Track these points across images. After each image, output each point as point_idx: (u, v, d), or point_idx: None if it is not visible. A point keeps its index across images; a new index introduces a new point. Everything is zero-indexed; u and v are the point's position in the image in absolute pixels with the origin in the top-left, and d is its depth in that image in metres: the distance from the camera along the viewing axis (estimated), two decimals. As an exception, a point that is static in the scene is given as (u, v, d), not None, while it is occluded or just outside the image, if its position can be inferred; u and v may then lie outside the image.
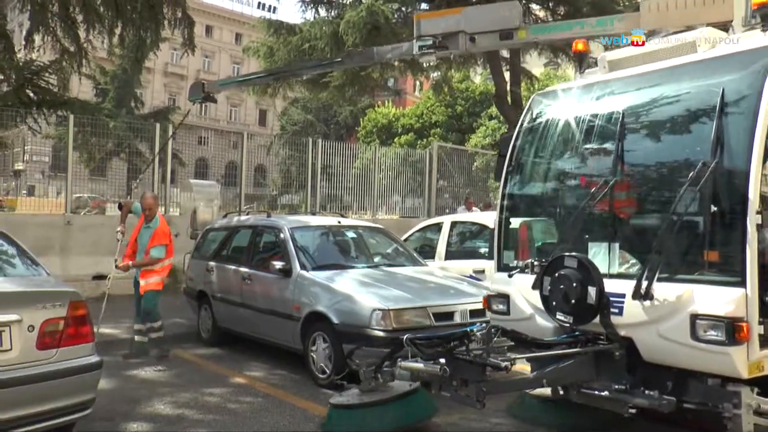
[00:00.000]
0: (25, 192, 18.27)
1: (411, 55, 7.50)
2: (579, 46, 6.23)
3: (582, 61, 6.27)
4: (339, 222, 9.39)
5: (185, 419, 6.02)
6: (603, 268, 5.20)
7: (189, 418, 6.06)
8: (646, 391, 4.86)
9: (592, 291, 4.88)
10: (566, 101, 6.02)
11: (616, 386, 4.96)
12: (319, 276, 7.57)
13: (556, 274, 5.08)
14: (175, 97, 60.06)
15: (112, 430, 5.60)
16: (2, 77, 16.85)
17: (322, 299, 7.22)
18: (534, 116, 6.15)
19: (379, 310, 6.61)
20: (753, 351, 4.47)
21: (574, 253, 5.08)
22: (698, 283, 4.69)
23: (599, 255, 5.26)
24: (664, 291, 4.74)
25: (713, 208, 4.63)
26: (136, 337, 8.25)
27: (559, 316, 5.09)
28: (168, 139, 14.52)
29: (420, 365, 4.90)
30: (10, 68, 16.27)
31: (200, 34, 41.13)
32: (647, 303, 4.76)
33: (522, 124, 6.17)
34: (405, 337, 5.08)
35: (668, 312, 4.70)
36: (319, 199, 16.75)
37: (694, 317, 4.56)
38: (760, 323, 4.47)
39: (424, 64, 18.22)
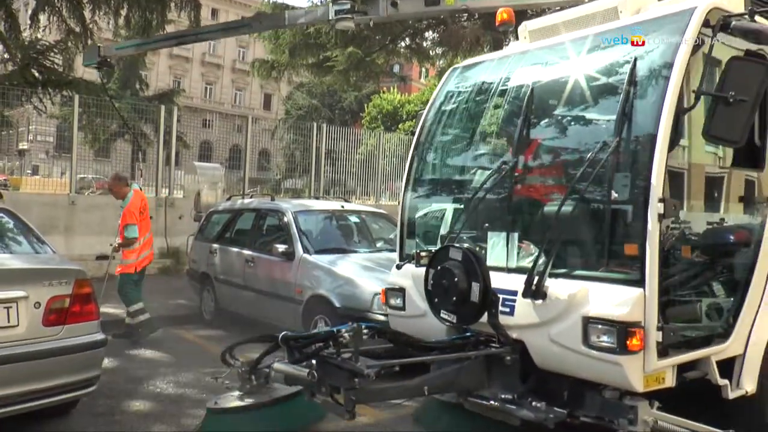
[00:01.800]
0: (29, 172, 18.31)
1: (327, 21, 6.83)
2: (503, 15, 5.53)
3: (506, 33, 5.56)
4: (342, 207, 9.18)
5: (186, 399, 5.97)
6: (500, 261, 4.55)
7: (190, 397, 5.99)
8: (534, 403, 4.21)
9: (475, 287, 4.23)
10: (481, 75, 5.35)
11: (503, 395, 4.31)
12: (322, 260, 7.44)
13: (439, 267, 4.42)
14: (180, 80, 59.63)
15: (115, 407, 5.55)
16: (8, 56, 16.73)
17: (324, 283, 7.15)
18: (446, 91, 5.49)
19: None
20: (650, 361, 3.82)
21: (458, 244, 4.42)
22: (595, 281, 4.04)
23: (498, 246, 4.59)
24: (557, 289, 4.09)
25: (613, 194, 3.94)
26: (126, 319, 8.17)
27: (443, 314, 4.44)
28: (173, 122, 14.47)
29: (290, 368, 4.28)
30: (16, 48, 16.15)
31: (206, 16, 40.42)
32: (538, 302, 4.12)
33: (433, 100, 5.49)
34: (281, 334, 4.45)
35: (560, 313, 4.05)
36: (323, 184, 16.61)
37: (587, 320, 3.92)
38: (659, 329, 3.81)
39: (430, 52, 17.90)
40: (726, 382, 4.28)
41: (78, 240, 12.12)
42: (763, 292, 4.57)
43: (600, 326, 3.85)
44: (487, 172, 4.80)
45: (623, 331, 3.74)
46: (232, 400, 4.71)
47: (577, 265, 4.22)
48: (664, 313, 3.92)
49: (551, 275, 4.14)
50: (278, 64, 17.58)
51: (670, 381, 3.99)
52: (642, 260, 3.82)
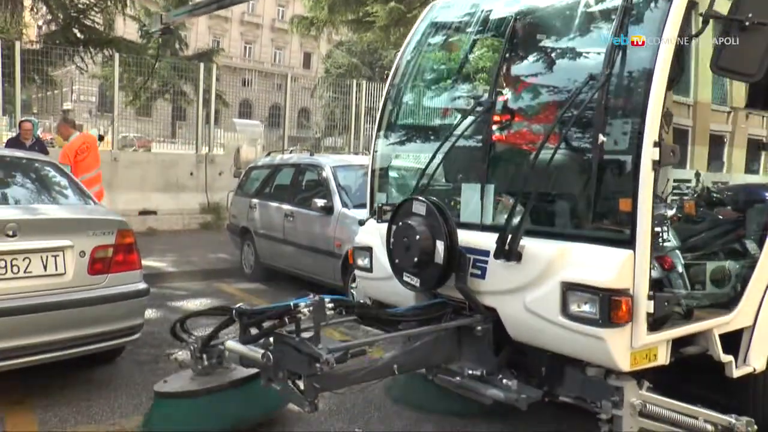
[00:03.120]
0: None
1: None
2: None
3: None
4: None
5: (226, 349, 5.76)
6: (474, 217, 3.89)
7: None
8: (504, 380, 3.58)
9: (440, 246, 3.58)
10: (460, 9, 4.60)
11: (470, 371, 3.69)
12: (361, 214, 6.81)
13: (400, 223, 3.77)
14: (219, 39, 58.46)
15: (159, 355, 5.54)
16: (50, 17, 16.80)
17: None
18: (423, 28, 4.75)
19: None
20: (638, 335, 3.17)
21: (422, 197, 3.76)
22: (578, 240, 3.38)
23: (472, 200, 3.93)
24: (534, 249, 3.44)
25: (600, 138, 3.24)
26: None
27: (406, 277, 3.81)
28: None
29: (243, 348, 3.67)
30: (57, 7, 16.12)
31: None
32: (512, 264, 3.46)
33: (410, 39, 4.77)
34: (237, 306, 3.80)
35: (536, 278, 3.41)
36: (363, 142, 16.29)
37: (566, 286, 3.27)
38: (650, 298, 3.14)
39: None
40: (730, 358, 3.63)
41: (121, 196, 12.19)
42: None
43: (580, 293, 3.20)
44: (464, 118, 4.09)
45: (607, 300, 3.10)
46: (183, 381, 4.10)
47: (557, 221, 3.57)
48: (658, 279, 3.25)
49: (527, 233, 3.48)
50: (317, 20, 17.21)
51: (663, 358, 3.35)
52: (632, 216, 3.16)
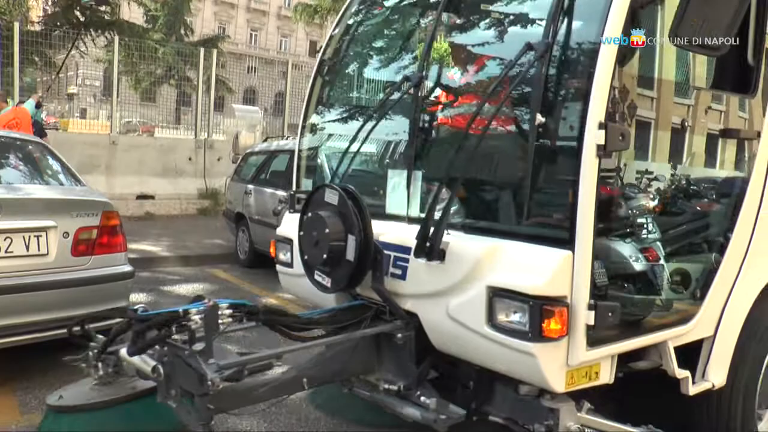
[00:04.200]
0: (78, 114, 18.66)
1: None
2: None
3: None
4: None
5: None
6: (400, 208, 3.30)
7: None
8: (423, 398, 3.01)
9: (351, 241, 2.99)
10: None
11: (387, 386, 3.12)
12: None
13: (310, 214, 3.18)
14: (225, 26, 57.06)
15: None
16: None
17: None
18: (356, 5, 4.11)
19: None
20: (576, 351, 2.61)
21: (335, 185, 3.17)
22: (511, 237, 2.79)
23: (398, 189, 3.34)
24: (459, 247, 2.85)
25: (538, 117, 2.65)
26: None
27: (317, 275, 3.22)
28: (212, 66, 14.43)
29: (135, 359, 3.05)
30: None
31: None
32: (435, 264, 2.87)
33: (343, 13, 4.14)
34: (134, 308, 3.17)
35: (461, 280, 2.83)
36: None
37: (492, 292, 2.70)
38: (591, 307, 2.57)
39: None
40: (687, 373, 3.09)
41: (119, 179, 12.08)
42: (744, 258, 3.33)
43: (508, 301, 2.64)
44: (394, 94, 3.48)
45: (538, 310, 2.53)
46: (80, 392, 3.44)
47: (489, 215, 2.99)
48: (603, 286, 2.68)
49: (452, 228, 2.89)
50: (321, 8, 17.08)
51: (606, 376, 2.80)
52: (572, 211, 2.57)
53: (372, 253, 3.03)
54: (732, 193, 3.41)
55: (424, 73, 3.24)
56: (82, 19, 15.94)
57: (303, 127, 4.06)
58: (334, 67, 4.06)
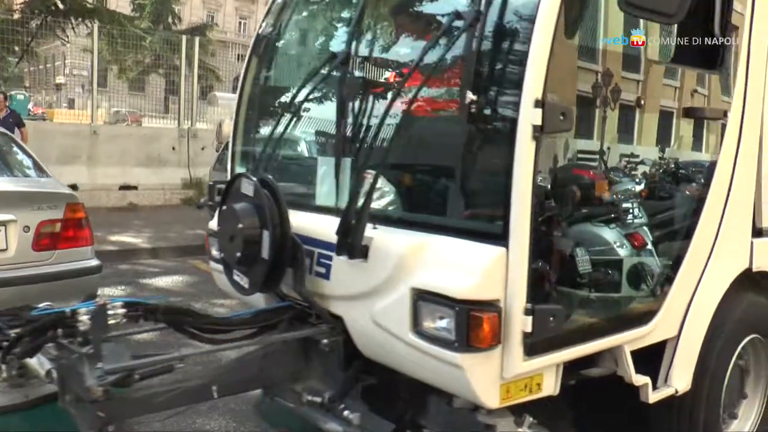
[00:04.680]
0: (65, 105, 18.34)
1: None
2: None
3: None
4: None
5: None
6: (329, 200, 2.92)
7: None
8: (346, 411, 2.64)
9: (266, 236, 2.61)
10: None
11: (309, 397, 2.75)
12: None
13: (225, 207, 2.81)
14: (214, 14, 56.13)
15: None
16: None
17: None
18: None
19: None
20: (511, 362, 2.24)
21: (252, 174, 2.79)
22: (440, 232, 2.41)
23: (327, 178, 2.95)
24: (384, 243, 2.47)
25: (468, 95, 2.26)
26: None
27: (236, 275, 2.84)
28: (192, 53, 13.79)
29: (31, 361, 2.71)
30: None
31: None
32: (357, 262, 2.49)
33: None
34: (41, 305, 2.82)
35: (385, 281, 2.46)
36: None
37: (417, 295, 2.32)
38: (528, 312, 2.20)
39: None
40: (646, 380, 2.74)
41: (101, 170, 11.64)
42: (712, 248, 2.97)
43: (433, 305, 2.27)
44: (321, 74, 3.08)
45: (464, 316, 2.16)
46: None
47: (418, 206, 2.61)
48: (542, 286, 2.31)
49: (380, 221, 2.52)
50: None
51: (550, 388, 2.44)
52: (506, 202, 2.19)
53: (290, 250, 2.65)
54: (698, 178, 3.05)
55: (352, 49, 2.83)
56: (62, 6, 15.34)
57: (238, 110, 3.66)
58: (270, 45, 3.65)
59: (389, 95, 2.53)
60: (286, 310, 2.88)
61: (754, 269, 3.17)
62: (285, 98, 3.23)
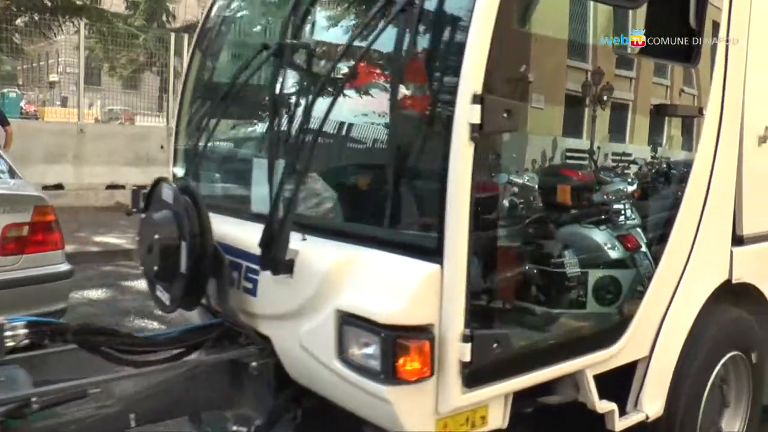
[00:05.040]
0: (59, 103, 17.65)
1: None
2: None
3: None
4: None
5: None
6: (264, 206, 2.59)
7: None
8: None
9: (183, 248, 2.29)
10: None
11: (235, 427, 2.44)
12: None
13: (143, 215, 2.49)
14: None
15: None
16: None
17: None
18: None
19: None
20: (449, 395, 1.93)
21: (172, 180, 2.48)
22: (376, 245, 2.09)
23: (261, 182, 2.62)
24: (311, 257, 2.15)
25: (402, 90, 1.94)
26: None
27: (158, 290, 2.53)
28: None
29: None
30: None
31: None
32: (282, 278, 2.17)
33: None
34: None
35: (310, 300, 2.14)
36: None
37: (342, 318, 1.99)
38: (467, 338, 1.87)
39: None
40: (611, 406, 2.41)
41: (87, 169, 11.24)
42: (687, 262, 2.65)
43: (359, 330, 1.94)
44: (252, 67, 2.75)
45: (390, 343, 1.85)
46: None
47: (349, 215, 2.29)
48: (486, 307, 1.99)
49: (308, 231, 2.20)
50: None
51: (497, 420, 2.13)
52: (440, 212, 1.87)
53: (212, 263, 2.34)
54: (672, 181, 2.73)
55: (288, 39, 2.51)
56: (49, 3, 14.94)
57: (180, 108, 3.35)
58: (212, 39, 3.33)
59: (320, 90, 2.19)
60: (214, 328, 2.56)
61: (734, 281, 2.86)
62: (221, 95, 2.90)
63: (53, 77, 23.54)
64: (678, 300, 2.65)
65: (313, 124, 2.15)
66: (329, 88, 2.12)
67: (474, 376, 1.94)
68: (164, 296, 2.49)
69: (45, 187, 8.79)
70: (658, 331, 2.61)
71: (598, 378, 2.42)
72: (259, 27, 3.09)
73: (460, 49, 1.87)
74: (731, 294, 2.89)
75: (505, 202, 2.28)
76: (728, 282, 2.84)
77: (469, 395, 1.95)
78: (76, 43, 16.36)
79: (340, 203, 2.34)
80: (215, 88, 3.12)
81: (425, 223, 1.98)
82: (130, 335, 2.55)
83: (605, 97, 2.56)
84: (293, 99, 2.45)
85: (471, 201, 1.86)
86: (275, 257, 2.14)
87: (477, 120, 1.83)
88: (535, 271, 2.28)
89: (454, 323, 1.89)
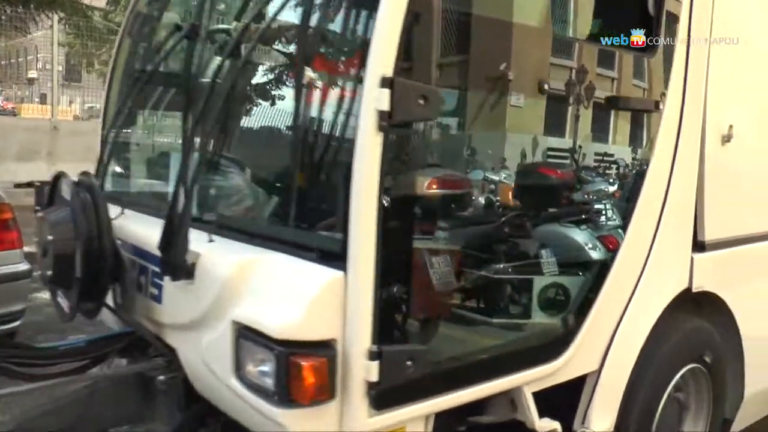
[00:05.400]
0: (37, 100, 17.46)
1: None
2: None
3: None
4: None
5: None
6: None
7: None
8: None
9: (78, 250, 2.04)
10: None
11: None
12: None
13: (39, 215, 2.24)
14: None
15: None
16: None
17: None
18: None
19: None
20: (353, 419, 1.67)
21: (72, 175, 2.23)
22: (282, 247, 1.84)
23: (173, 177, 2.36)
24: (213, 261, 1.89)
25: (308, 73, 1.69)
26: None
27: (59, 296, 2.27)
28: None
29: None
30: None
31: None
32: (184, 284, 1.92)
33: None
34: None
35: (210, 308, 1.88)
36: None
37: (239, 330, 1.73)
38: (374, 356, 1.62)
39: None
40: (553, 425, 2.17)
41: (61, 167, 10.80)
42: (643, 269, 2.41)
43: (254, 345, 1.69)
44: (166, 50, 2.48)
45: (284, 362, 1.58)
46: None
47: (260, 213, 2.03)
48: (401, 319, 1.74)
49: (217, 231, 1.95)
50: None
51: (417, 445, 1.85)
52: (344, 212, 1.62)
53: (111, 267, 2.08)
54: (626, 182, 2.48)
55: (202, 20, 2.25)
56: None
57: (107, 99, 3.08)
58: (139, 24, 3.05)
59: (223, 77, 1.94)
60: (121, 338, 2.30)
61: (695, 289, 2.61)
62: (141, 83, 2.64)
63: (32, 74, 23.17)
64: (632, 309, 2.41)
65: (217, 114, 1.89)
66: (232, 74, 1.86)
67: (384, 397, 1.69)
68: (64, 303, 2.23)
69: (17, 185, 8.58)
70: (610, 343, 2.36)
71: (544, 393, 2.19)
72: (183, 10, 2.81)
73: (368, 25, 1.62)
74: (691, 303, 2.65)
75: (431, 201, 2.02)
76: (688, 290, 2.60)
77: (378, 418, 1.70)
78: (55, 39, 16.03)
79: (251, 200, 2.08)
80: (139, 76, 2.85)
81: (330, 224, 1.72)
82: (28, 346, 2.31)
83: (546, 86, 2.31)
84: (204, 86, 2.19)
85: (380, 199, 1.60)
86: (173, 261, 1.89)
87: (385, 107, 1.58)
88: (465, 278, 2.02)
89: (359, 338, 1.63)
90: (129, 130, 2.68)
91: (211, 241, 1.97)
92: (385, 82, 1.58)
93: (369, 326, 1.63)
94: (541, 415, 2.17)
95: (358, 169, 1.60)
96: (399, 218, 1.68)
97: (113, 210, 2.24)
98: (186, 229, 1.86)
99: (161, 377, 2.18)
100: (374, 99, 1.58)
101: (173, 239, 1.88)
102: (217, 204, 2.09)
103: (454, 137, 2.33)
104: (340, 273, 1.63)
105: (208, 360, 1.90)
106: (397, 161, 1.67)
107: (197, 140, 1.91)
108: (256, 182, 2.10)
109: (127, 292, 2.13)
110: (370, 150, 1.59)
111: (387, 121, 1.59)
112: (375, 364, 1.64)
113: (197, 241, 1.95)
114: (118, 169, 2.69)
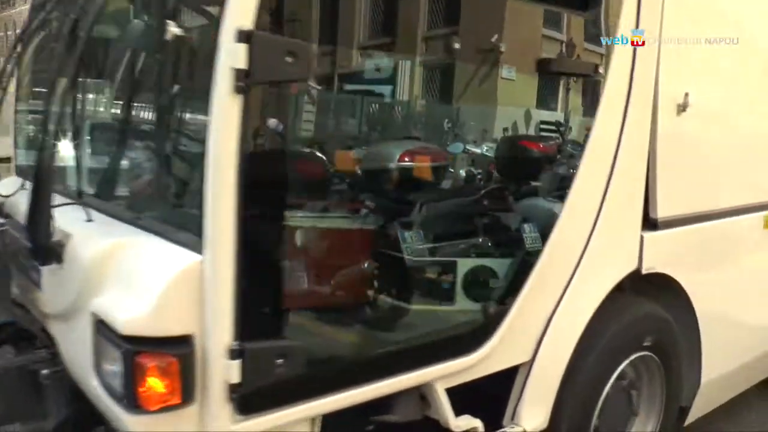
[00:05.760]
0: None
1: None
2: None
3: None
4: None
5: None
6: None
7: None
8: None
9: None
10: None
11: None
12: None
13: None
14: None
15: None
16: None
17: None
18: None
19: None
20: (213, 424, 1.44)
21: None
22: (152, 229, 1.60)
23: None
24: (81, 243, 1.66)
25: (172, 29, 1.43)
26: None
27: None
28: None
29: None
30: None
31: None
32: (56, 269, 1.69)
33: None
34: None
35: (76, 298, 1.64)
36: None
37: (96, 323, 1.49)
38: (235, 355, 1.38)
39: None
40: (473, 423, 1.94)
41: None
42: (584, 248, 2.17)
43: (106, 340, 1.46)
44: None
45: (129, 362, 1.35)
46: None
47: (129, 189, 1.80)
48: (272, 311, 1.51)
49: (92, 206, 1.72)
50: None
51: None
52: (200, 188, 1.37)
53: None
54: (563, 152, 2.21)
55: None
56: None
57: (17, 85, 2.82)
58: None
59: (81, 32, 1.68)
60: (1, 329, 2.09)
61: (645, 270, 2.35)
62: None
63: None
64: (571, 294, 2.16)
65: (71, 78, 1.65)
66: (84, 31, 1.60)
67: (251, 400, 1.46)
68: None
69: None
70: (545, 331, 2.13)
71: (467, 386, 1.96)
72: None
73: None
74: (642, 285, 2.41)
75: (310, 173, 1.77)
76: (637, 272, 2.35)
77: (245, 424, 1.47)
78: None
79: (125, 175, 1.84)
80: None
81: (188, 201, 1.48)
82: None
83: (457, 45, 2.04)
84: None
85: (240, 170, 1.36)
86: (38, 241, 1.66)
87: (243, 65, 1.32)
88: (377, 260, 1.78)
89: (217, 334, 1.40)
90: (30, 102, 2.44)
91: (89, 220, 1.74)
92: (242, 36, 1.33)
93: (229, 320, 1.40)
94: (463, 411, 1.96)
95: (213, 137, 1.36)
96: (265, 192, 1.44)
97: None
98: (47, 206, 1.62)
99: (44, 371, 1.97)
100: (230, 55, 1.33)
101: (35, 217, 1.65)
102: (98, 179, 1.85)
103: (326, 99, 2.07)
104: (198, 257, 1.40)
105: (72, 355, 1.68)
106: (262, 127, 1.42)
107: (57, 107, 1.67)
108: (124, 154, 1.86)
109: (3, 277, 1.92)
110: (225, 114, 1.35)
111: (245, 81, 1.34)
112: (236, 364, 1.41)
113: (78, 220, 1.73)
114: (21, 142, 2.45)
